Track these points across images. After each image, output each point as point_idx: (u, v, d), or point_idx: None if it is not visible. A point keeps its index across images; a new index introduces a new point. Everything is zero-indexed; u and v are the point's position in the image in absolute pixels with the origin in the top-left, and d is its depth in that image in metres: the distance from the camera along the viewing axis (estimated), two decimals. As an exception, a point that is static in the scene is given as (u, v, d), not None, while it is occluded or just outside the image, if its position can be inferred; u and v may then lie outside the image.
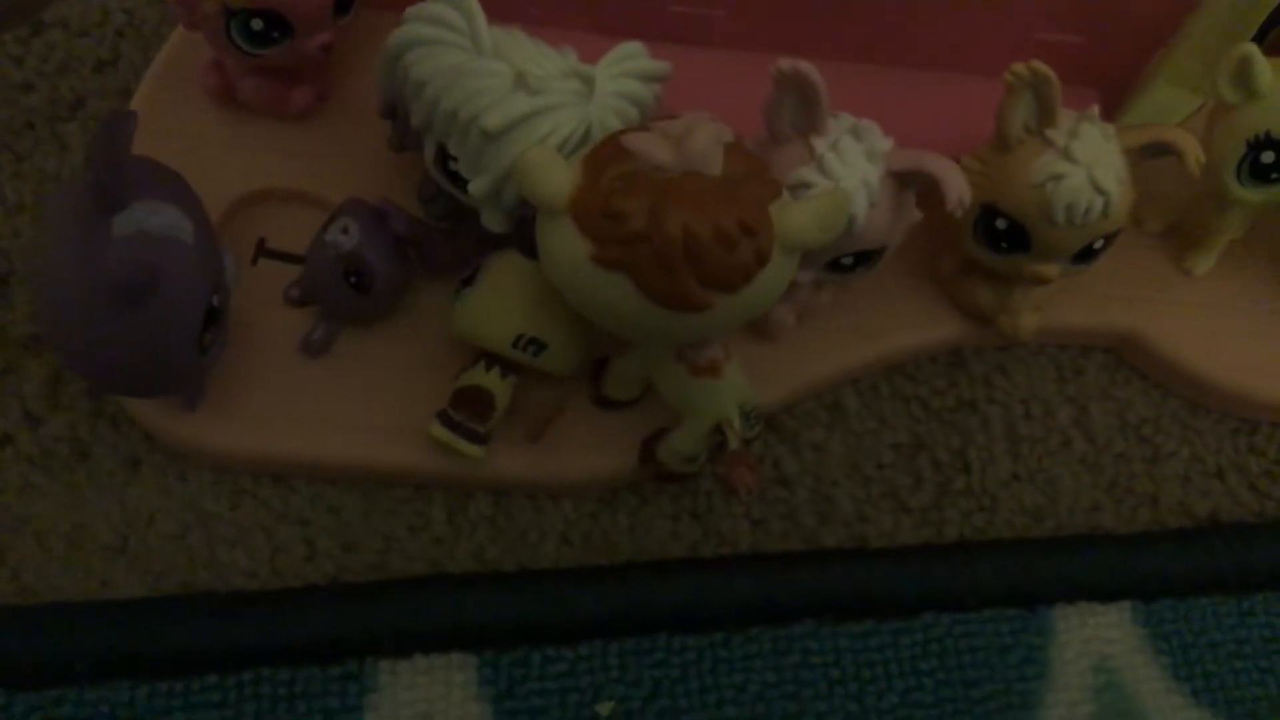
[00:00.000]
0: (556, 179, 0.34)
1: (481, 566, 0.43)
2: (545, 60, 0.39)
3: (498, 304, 0.40)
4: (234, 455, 0.42)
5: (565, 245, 0.35)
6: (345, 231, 0.41)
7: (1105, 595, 0.45)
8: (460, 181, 0.39)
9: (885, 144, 0.40)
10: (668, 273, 0.33)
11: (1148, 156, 0.43)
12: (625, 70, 0.40)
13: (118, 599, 0.41)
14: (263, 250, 0.42)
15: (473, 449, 0.41)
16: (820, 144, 0.39)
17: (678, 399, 0.41)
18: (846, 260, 0.42)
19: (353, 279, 0.41)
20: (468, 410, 0.41)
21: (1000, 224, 0.43)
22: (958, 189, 0.39)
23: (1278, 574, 0.47)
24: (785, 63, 0.38)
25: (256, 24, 0.42)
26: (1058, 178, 0.41)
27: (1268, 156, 0.44)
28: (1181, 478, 0.49)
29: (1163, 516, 0.48)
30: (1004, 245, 0.44)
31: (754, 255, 0.34)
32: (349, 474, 0.43)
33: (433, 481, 0.44)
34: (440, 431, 0.41)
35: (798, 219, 0.35)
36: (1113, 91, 0.50)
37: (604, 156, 0.35)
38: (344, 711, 0.40)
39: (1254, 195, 0.46)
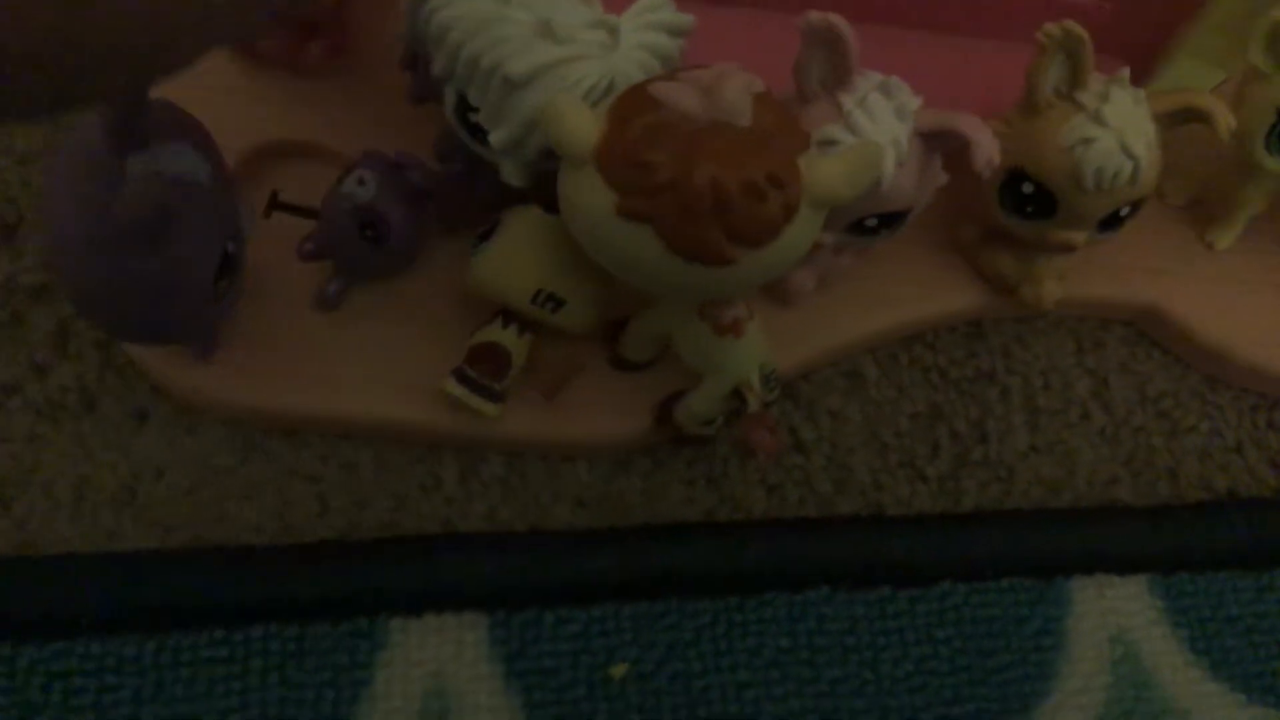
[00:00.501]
0: (583, 126, 0.34)
1: (494, 527, 0.43)
2: (570, 10, 0.38)
3: (516, 258, 0.40)
4: (244, 409, 0.42)
5: (590, 195, 0.34)
6: (361, 183, 0.40)
7: (1123, 567, 0.45)
8: (480, 133, 0.39)
9: (914, 102, 0.39)
10: (694, 225, 0.33)
11: (1177, 123, 0.42)
12: (650, 22, 0.39)
13: (125, 551, 0.40)
14: (275, 203, 0.42)
15: (488, 406, 0.41)
16: (848, 101, 0.39)
17: (698, 358, 0.40)
18: (870, 222, 0.41)
19: (368, 232, 0.40)
20: (484, 367, 0.40)
21: (1027, 188, 0.43)
22: (988, 149, 0.39)
23: (1296, 550, 0.46)
24: (815, 15, 0.37)
25: (273, -30, 0.41)
26: (1088, 141, 0.40)
27: (1298, 126, 0.44)
28: (1200, 452, 0.48)
29: (1181, 491, 0.47)
30: (1030, 210, 0.43)
31: (782, 208, 0.33)
32: (361, 430, 0.43)
33: (446, 440, 0.43)
34: (455, 388, 0.40)
35: (826, 173, 0.34)
36: (1138, 62, 0.49)
37: (631, 105, 0.34)
38: (354, 668, 0.39)
39: (1283, 165, 0.45)
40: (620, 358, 0.44)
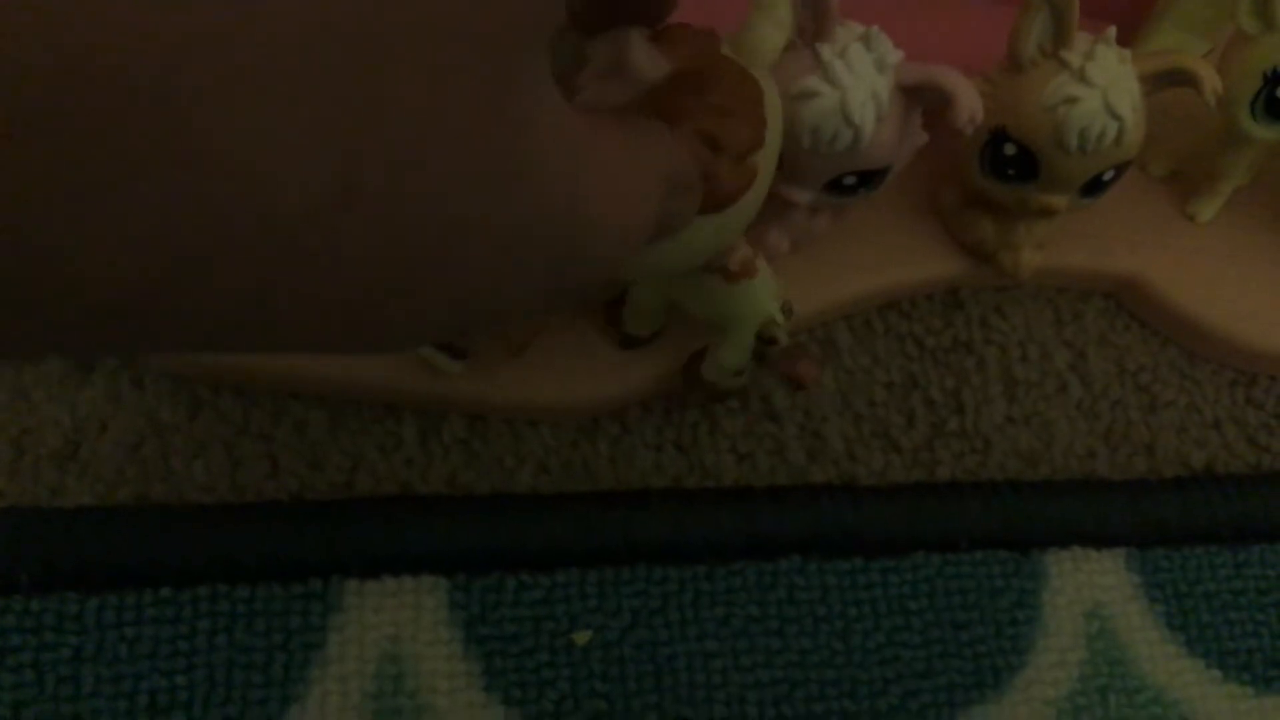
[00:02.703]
0: None
1: (454, 491, 0.41)
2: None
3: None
4: (193, 363, 0.40)
5: None
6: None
7: (1100, 542, 0.44)
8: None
9: (896, 55, 0.38)
10: (711, 179, 0.30)
11: (1162, 85, 0.41)
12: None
13: (67, 507, 0.38)
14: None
15: (450, 364, 0.39)
16: (828, 52, 0.37)
17: (716, 312, 0.39)
18: (849, 180, 0.40)
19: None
20: (446, 322, 0.39)
21: (1009, 150, 0.41)
22: (971, 105, 0.38)
23: (1273, 526, 0.45)
24: (796, -38, 0.36)
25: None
26: (1072, 101, 0.39)
27: (1285, 91, 0.43)
28: (1178, 427, 0.47)
29: (1158, 466, 0.46)
30: (1011, 173, 0.42)
31: (750, 101, 0.31)
32: (315, 388, 0.41)
33: (405, 400, 0.42)
34: (416, 343, 0.39)
35: (750, 37, 0.31)
36: (1122, 29, 0.48)
37: None
38: (306, 631, 0.38)
39: (1267, 132, 0.44)
40: (627, 335, 0.42)
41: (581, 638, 0.39)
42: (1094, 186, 0.42)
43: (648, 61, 0.31)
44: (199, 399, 0.41)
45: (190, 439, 0.40)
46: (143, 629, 0.37)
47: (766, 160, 0.32)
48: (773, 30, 0.32)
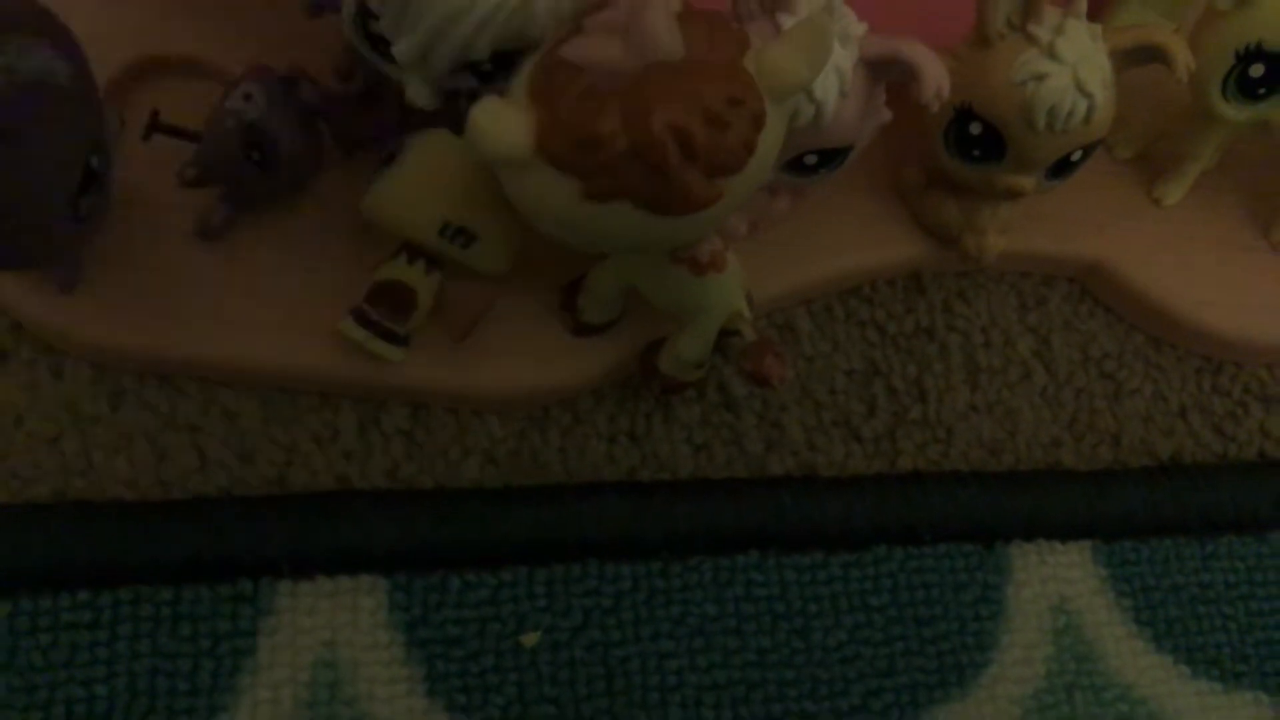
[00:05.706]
0: (511, 128, 0.29)
1: (395, 485, 0.39)
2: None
3: (423, 187, 0.36)
4: (116, 350, 0.38)
5: (549, 192, 0.30)
6: (248, 99, 0.36)
7: (1065, 533, 0.43)
8: (381, 45, 0.35)
9: (859, 27, 0.36)
10: (670, 180, 0.29)
11: (1133, 62, 0.40)
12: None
13: (-25, 505, 0.36)
14: (155, 125, 0.38)
15: (391, 351, 0.37)
16: (789, 23, 0.36)
17: (681, 304, 0.37)
18: (810, 159, 0.39)
19: (254, 154, 0.37)
20: (386, 307, 0.37)
21: (974, 128, 0.40)
22: (936, 78, 0.36)
23: (1241, 518, 0.45)
24: (755, -72, 0.34)
25: None
26: (1040, 77, 0.38)
27: (1257, 70, 0.41)
28: (1144, 416, 0.46)
29: (1124, 455, 0.45)
30: (977, 153, 0.41)
31: (750, 123, 0.30)
32: (247, 377, 0.39)
33: (342, 388, 0.39)
34: (354, 330, 0.37)
35: (779, 63, 0.31)
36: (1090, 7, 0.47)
37: (553, 80, 0.30)
38: (235, 636, 0.36)
39: (1238, 113, 0.43)
40: (582, 324, 0.40)
41: (530, 639, 0.38)
42: (1062, 168, 0.41)
43: (666, 32, 0.29)
44: (122, 389, 0.38)
45: (112, 431, 0.38)
46: (59, 635, 0.35)
47: (753, 180, 0.31)
48: (802, 68, 0.31)
